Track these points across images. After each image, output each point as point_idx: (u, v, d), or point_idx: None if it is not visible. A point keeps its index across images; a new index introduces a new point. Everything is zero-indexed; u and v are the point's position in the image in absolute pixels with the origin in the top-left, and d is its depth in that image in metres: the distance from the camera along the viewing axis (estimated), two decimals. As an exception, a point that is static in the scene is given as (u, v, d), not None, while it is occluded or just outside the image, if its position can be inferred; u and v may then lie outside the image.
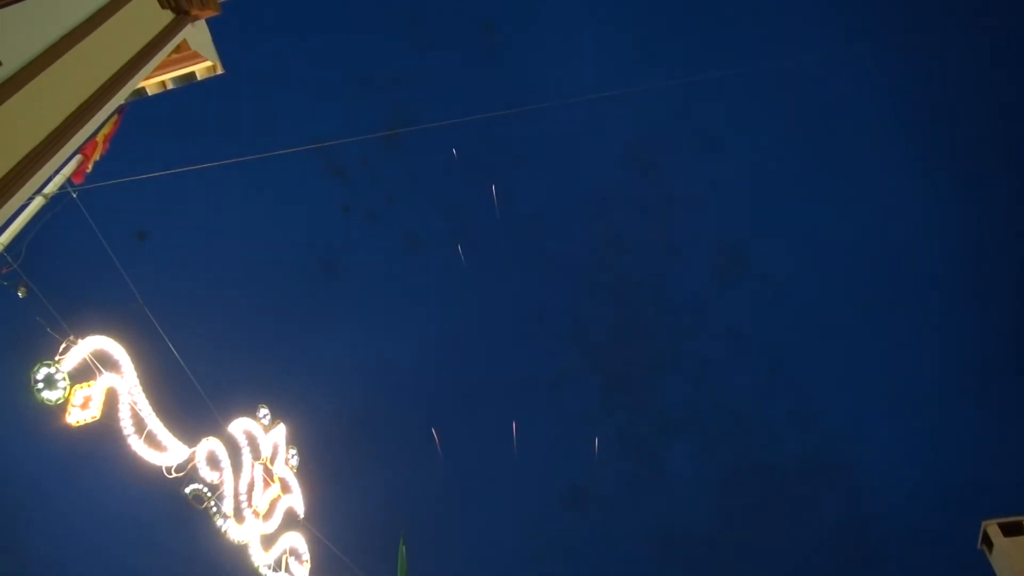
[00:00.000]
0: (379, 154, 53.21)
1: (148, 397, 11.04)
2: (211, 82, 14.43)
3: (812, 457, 52.89)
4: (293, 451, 15.34)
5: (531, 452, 53.87)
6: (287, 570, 14.25)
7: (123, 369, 10.79)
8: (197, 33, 13.05)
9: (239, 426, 13.76)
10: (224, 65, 14.18)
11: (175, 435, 11.54)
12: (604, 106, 52.30)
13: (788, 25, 52.37)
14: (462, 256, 54.08)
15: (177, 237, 50.17)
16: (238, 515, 12.81)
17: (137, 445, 10.90)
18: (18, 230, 10.20)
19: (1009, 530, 28.75)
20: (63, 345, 10.14)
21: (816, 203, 53.78)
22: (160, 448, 11.28)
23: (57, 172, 10.68)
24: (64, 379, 9.88)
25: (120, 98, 10.76)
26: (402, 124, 49.89)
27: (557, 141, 54.22)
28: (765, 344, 54.07)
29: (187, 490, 11.88)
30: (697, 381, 54.91)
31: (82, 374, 10.24)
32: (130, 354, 10.93)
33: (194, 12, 12.34)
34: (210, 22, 13.43)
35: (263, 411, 14.74)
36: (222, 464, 12.64)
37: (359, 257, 54.56)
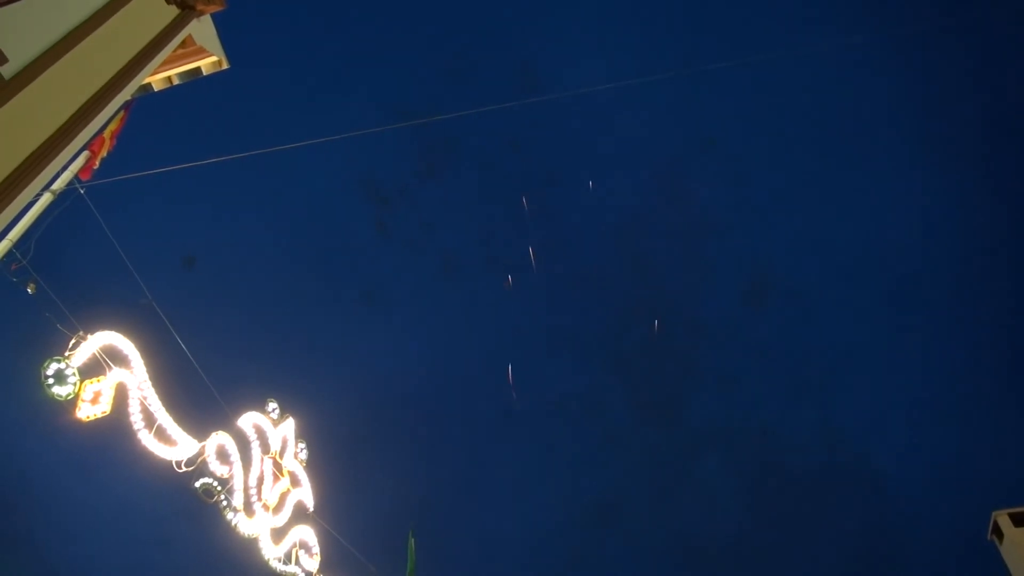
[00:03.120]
0: (395, 154, 53.81)
1: (158, 392, 11.07)
2: (217, 77, 14.43)
3: (834, 463, 53.46)
4: (302, 445, 15.39)
5: (559, 463, 54.49)
6: (297, 563, 14.32)
7: (133, 364, 10.82)
8: (202, 28, 13.03)
9: (248, 420, 13.80)
10: (229, 60, 14.17)
11: (185, 429, 11.58)
12: (631, 130, 53.42)
13: (796, 26, 52.37)
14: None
15: (183, 232, 50.32)
16: (248, 509, 12.86)
17: (147, 440, 10.93)
18: (27, 226, 10.23)
19: (1019, 520, 28.64)
20: (73, 341, 10.16)
21: (835, 213, 54.36)
22: (170, 442, 11.31)
23: (65, 168, 10.70)
24: (74, 374, 9.91)
25: (126, 94, 10.76)
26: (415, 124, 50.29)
27: (588, 166, 55.68)
28: (788, 356, 54.63)
29: (197, 484, 11.92)
30: (724, 395, 55.55)
31: (92, 369, 10.27)
32: (139, 349, 10.95)
33: (199, 7, 12.32)
34: (215, 17, 13.41)
35: (272, 405, 14.78)
36: (232, 458, 12.68)
37: (377, 257, 55.07)
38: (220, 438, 12.52)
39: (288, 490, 14.45)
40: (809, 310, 54.40)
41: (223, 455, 12.51)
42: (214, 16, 13.32)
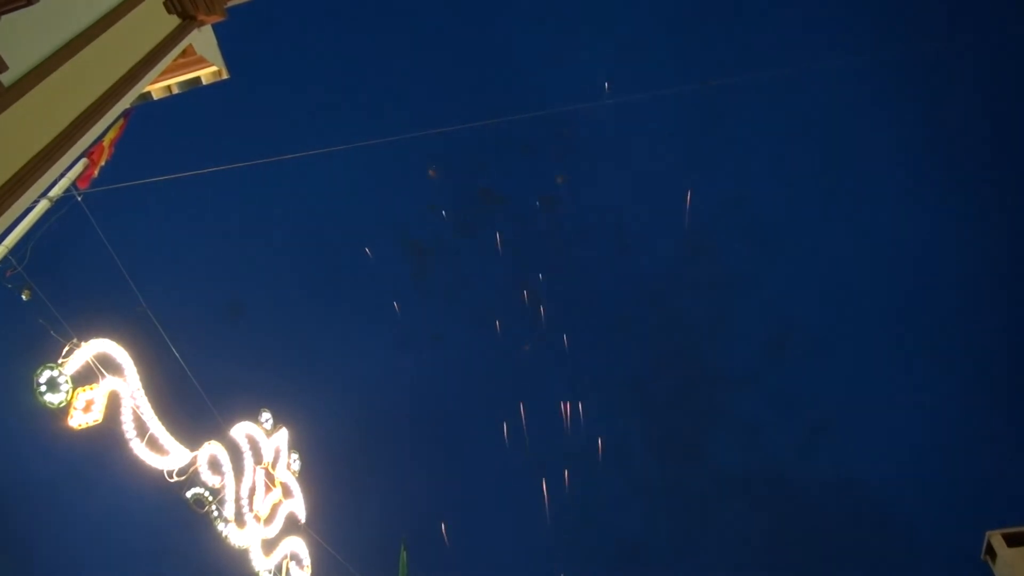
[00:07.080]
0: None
1: (150, 400, 11.03)
2: (216, 87, 14.48)
3: (837, 483, 53.66)
4: (295, 455, 15.31)
5: (575, 496, 54.92)
6: (288, 575, 14.22)
7: (126, 372, 10.79)
8: (203, 38, 13.07)
9: (241, 430, 13.73)
10: (229, 70, 14.21)
11: (177, 439, 11.53)
12: (661, 188, 55.41)
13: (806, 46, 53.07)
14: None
15: (181, 241, 50.33)
16: (239, 519, 12.78)
17: (139, 449, 10.88)
18: (23, 233, 10.23)
19: (1013, 540, 28.60)
20: (66, 348, 10.14)
21: (852, 265, 55.15)
22: (162, 452, 11.26)
23: (62, 175, 10.70)
24: (67, 382, 9.87)
25: (126, 102, 10.77)
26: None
27: (615, 215, 57.29)
28: (804, 401, 55.23)
29: (188, 494, 11.85)
30: (745, 441, 56.42)
31: (85, 377, 10.23)
32: (133, 357, 10.93)
33: (200, 17, 12.35)
34: (216, 27, 13.46)
35: (265, 415, 14.71)
36: (224, 468, 12.61)
37: (385, 274, 55.37)
38: (212, 448, 12.46)
39: (280, 501, 14.36)
40: (824, 357, 55.36)
41: (215, 465, 12.44)
42: (215, 26, 13.38)
